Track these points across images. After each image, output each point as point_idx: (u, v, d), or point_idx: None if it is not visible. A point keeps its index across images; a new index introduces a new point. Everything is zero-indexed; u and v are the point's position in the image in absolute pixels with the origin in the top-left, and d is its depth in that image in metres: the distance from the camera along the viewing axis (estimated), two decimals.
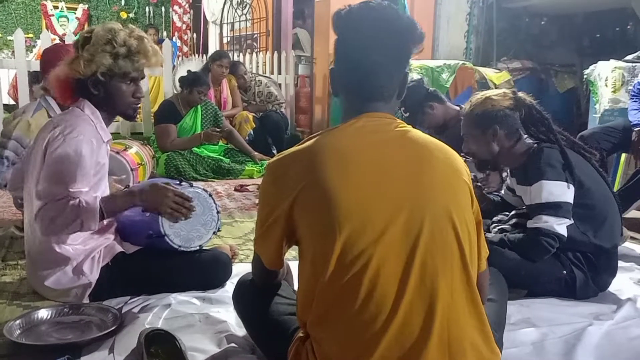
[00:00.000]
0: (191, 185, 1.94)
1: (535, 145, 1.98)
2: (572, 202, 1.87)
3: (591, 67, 4.08)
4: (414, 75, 4.37)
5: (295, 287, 1.49)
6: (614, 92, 3.83)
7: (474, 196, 1.15)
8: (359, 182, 1.06)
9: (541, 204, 1.86)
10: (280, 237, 1.14)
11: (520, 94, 2.03)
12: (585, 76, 4.13)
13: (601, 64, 3.97)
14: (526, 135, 2.03)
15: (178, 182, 1.94)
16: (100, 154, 1.78)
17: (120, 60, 1.73)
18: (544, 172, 1.87)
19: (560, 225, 1.84)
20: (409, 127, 1.16)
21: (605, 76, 3.87)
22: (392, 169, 1.08)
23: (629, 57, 3.98)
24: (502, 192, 2.32)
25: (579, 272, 1.92)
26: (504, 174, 2.42)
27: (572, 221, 1.87)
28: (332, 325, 1.07)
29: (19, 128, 2.36)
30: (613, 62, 3.90)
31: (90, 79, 1.74)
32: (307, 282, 1.10)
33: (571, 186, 1.87)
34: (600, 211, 1.94)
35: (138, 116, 5.31)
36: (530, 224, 1.89)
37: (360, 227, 1.03)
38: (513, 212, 2.13)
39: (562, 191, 1.86)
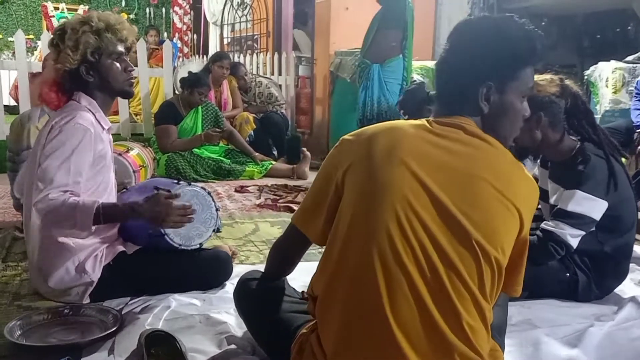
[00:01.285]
0: (189, 184, 1.95)
1: (579, 143, 1.91)
2: (598, 218, 1.82)
3: (592, 67, 4.08)
4: (415, 77, 4.36)
5: (295, 286, 1.49)
6: (614, 92, 3.83)
7: (524, 224, 1.12)
8: (399, 168, 1.07)
9: (566, 211, 1.81)
10: (329, 205, 1.16)
11: (567, 82, 1.94)
12: (585, 77, 4.13)
13: (602, 65, 3.98)
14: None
15: (176, 182, 1.94)
16: (100, 142, 1.78)
17: (103, 34, 1.75)
18: (583, 182, 1.81)
19: (575, 238, 1.80)
20: (479, 142, 1.12)
21: (606, 77, 3.87)
22: (435, 171, 1.08)
23: (629, 58, 3.98)
24: None
25: (582, 276, 1.90)
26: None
27: (588, 231, 1.82)
28: (340, 303, 1.08)
29: (32, 137, 2.36)
30: (614, 63, 3.90)
31: (81, 65, 1.75)
32: (331, 251, 1.12)
33: (605, 203, 1.81)
34: (625, 223, 1.91)
35: (138, 117, 5.32)
36: (547, 225, 1.84)
37: (389, 208, 1.05)
38: None
39: (591, 206, 1.80)
